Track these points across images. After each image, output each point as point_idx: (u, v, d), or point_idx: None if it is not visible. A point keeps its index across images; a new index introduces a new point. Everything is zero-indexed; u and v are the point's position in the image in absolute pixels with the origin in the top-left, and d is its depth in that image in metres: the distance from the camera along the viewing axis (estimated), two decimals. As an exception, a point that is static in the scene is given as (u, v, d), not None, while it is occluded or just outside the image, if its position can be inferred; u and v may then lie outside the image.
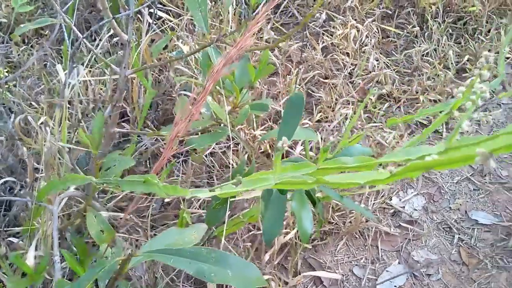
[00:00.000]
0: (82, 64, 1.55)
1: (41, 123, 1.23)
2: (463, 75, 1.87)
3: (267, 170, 0.81)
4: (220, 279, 0.56)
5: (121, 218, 1.03)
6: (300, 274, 1.32)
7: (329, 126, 1.68)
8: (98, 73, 1.70)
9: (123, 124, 1.69)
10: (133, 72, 0.88)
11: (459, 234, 1.46)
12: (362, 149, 0.82)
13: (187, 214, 1.09)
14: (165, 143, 1.46)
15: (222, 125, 0.96)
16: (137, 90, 1.53)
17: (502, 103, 1.82)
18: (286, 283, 1.29)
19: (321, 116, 1.73)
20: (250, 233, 1.28)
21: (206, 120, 0.94)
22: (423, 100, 1.74)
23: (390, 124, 0.68)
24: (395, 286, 1.35)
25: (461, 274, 1.37)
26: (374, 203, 1.48)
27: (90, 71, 1.68)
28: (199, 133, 0.99)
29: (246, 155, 1.35)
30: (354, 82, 1.84)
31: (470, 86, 0.43)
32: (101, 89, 1.71)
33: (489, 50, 1.89)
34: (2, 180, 1.22)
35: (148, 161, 1.65)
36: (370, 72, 1.85)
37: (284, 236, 1.24)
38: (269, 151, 1.55)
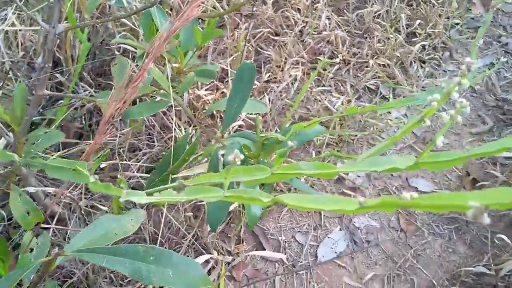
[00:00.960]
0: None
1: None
2: (413, 39, 1.86)
3: (210, 135, 0.74)
4: (160, 281, 0.51)
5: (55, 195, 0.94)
6: (242, 242, 1.30)
7: (277, 87, 1.62)
8: (29, 19, 1.53)
9: (56, 75, 1.55)
10: (67, 30, 0.77)
11: (399, 201, 1.48)
12: (317, 129, 0.77)
13: (124, 184, 1.02)
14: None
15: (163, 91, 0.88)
16: (71, 41, 1.39)
17: (448, 70, 1.83)
18: (229, 252, 1.27)
19: (269, 76, 1.67)
20: (192, 202, 1.23)
21: (147, 86, 0.85)
22: (372, 65, 1.71)
23: (349, 113, 0.63)
24: (335, 252, 1.36)
25: (398, 241, 1.41)
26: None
27: (19, 16, 1.51)
28: (138, 100, 0.91)
29: (191, 126, 1.27)
30: (305, 41, 1.78)
31: (445, 95, 0.39)
32: (32, 35, 1.55)
33: (439, 15, 1.87)
34: None
35: (84, 117, 1.54)
36: (321, 31, 1.79)
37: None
38: (214, 111, 1.48)
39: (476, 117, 1.71)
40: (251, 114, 1.40)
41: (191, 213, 1.20)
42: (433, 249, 1.39)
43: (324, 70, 1.72)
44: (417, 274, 1.34)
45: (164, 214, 1.15)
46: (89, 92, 1.51)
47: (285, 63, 1.71)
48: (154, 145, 1.43)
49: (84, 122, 1.55)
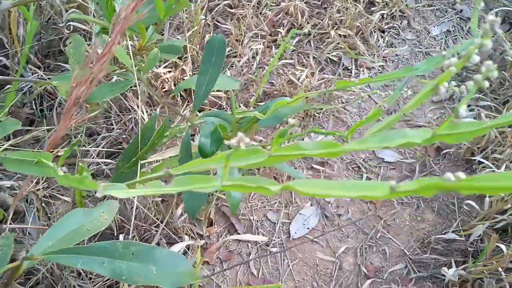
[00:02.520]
0: None
1: None
2: (372, 8, 1.84)
3: (174, 114, 0.68)
4: (143, 279, 0.46)
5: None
6: (213, 224, 1.26)
7: (238, 62, 1.57)
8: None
9: (0, 58, 1.43)
10: (13, 5, 0.68)
11: (367, 173, 1.48)
12: (298, 106, 0.73)
13: (87, 172, 0.95)
14: (54, 86, 1.25)
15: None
16: (16, 20, 1.28)
17: (407, 39, 1.83)
18: (200, 235, 1.22)
19: (229, 51, 1.60)
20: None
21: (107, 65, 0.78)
22: (333, 36, 1.68)
23: (340, 86, 0.59)
24: (308, 228, 1.35)
25: (368, 212, 1.41)
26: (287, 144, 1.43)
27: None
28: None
29: (158, 108, 1.20)
30: (263, 13, 1.72)
31: (465, 59, 0.35)
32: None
33: (397, -16, 1.86)
34: None
35: (34, 102, 1.43)
36: (279, 2, 1.73)
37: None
38: (174, 89, 1.41)
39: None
40: (215, 91, 1.34)
41: (159, 198, 1.14)
42: (403, 218, 1.40)
43: (286, 42, 1.67)
44: (389, 244, 1.35)
45: (131, 201, 1.09)
46: (38, 75, 1.40)
47: (244, 36, 1.65)
48: (113, 129, 1.35)
49: (35, 107, 1.45)
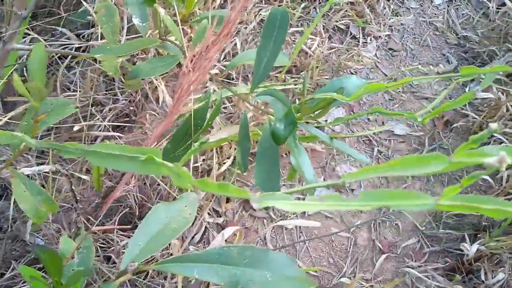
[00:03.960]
0: None
1: None
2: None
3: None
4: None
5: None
6: (229, 201, 1.21)
7: (245, 28, 1.48)
8: None
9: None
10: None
11: (378, 146, 1.45)
12: (357, 81, 0.68)
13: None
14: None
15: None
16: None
17: (411, 7, 1.79)
18: (216, 211, 1.17)
19: (235, 16, 1.51)
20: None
21: (149, 38, 0.70)
22: (342, 4, 1.61)
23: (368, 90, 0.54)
24: (322, 203, 1.32)
25: (380, 186, 1.39)
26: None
27: None
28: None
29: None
30: (268, -24, 1.63)
31: None
32: None
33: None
34: None
35: (24, 69, 1.31)
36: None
37: (219, 168, 1.10)
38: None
39: (440, 56, 1.70)
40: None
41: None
42: (414, 190, 1.39)
43: (293, 9, 1.60)
44: (401, 219, 1.34)
45: (151, 178, 1.02)
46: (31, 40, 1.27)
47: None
48: (117, 99, 1.26)
49: (26, 73, 1.33)
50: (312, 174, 0.64)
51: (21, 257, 1.02)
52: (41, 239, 0.93)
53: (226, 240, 0.96)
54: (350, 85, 0.68)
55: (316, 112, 0.63)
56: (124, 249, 0.94)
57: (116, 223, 0.92)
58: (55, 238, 0.97)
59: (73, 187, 0.83)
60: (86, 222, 0.95)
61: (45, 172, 0.82)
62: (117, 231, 0.98)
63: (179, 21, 0.69)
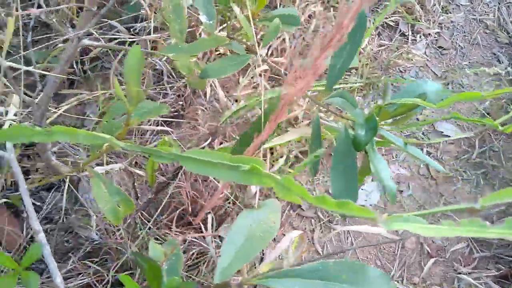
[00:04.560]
0: None
1: None
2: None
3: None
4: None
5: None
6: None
7: (293, 24, 1.46)
8: None
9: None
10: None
11: (427, 147, 1.42)
12: (435, 86, 0.65)
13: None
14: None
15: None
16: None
17: (461, 4, 1.74)
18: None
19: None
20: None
21: (220, 37, 0.68)
22: (392, -1, 1.57)
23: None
24: (370, 204, 1.30)
25: (429, 189, 1.36)
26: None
27: None
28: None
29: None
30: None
31: None
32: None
33: None
34: None
35: (77, 63, 1.32)
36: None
37: (271, 167, 1.08)
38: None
39: (491, 56, 1.65)
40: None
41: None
42: (463, 195, 1.36)
43: (337, 3, 1.56)
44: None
45: (203, 176, 1.01)
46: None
47: (296, -4, 1.53)
48: (167, 94, 1.26)
49: (75, 65, 1.33)
50: (391, 180, 0.62)
51: (74, 250, 1.03)
52: (97, 233, 0.93)
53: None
54: (430, 89, 0.66)
55: (397, 117, 0.61)
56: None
57: (174, 221, 0.91)
58: (109, 232, 0.97)
59: (135, 184, 0.82)
60: (140, 216, 0.95)
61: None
62: (170, 228, 0.98)
63: (251, 19, 0.68)
